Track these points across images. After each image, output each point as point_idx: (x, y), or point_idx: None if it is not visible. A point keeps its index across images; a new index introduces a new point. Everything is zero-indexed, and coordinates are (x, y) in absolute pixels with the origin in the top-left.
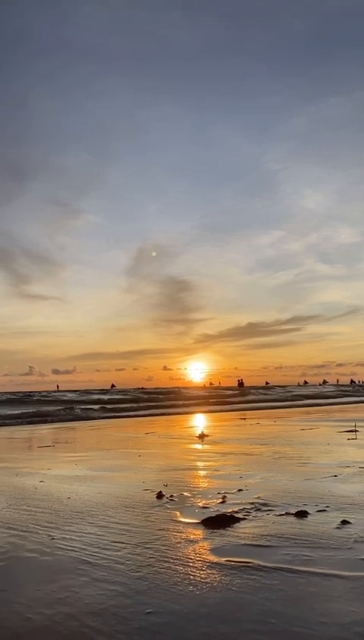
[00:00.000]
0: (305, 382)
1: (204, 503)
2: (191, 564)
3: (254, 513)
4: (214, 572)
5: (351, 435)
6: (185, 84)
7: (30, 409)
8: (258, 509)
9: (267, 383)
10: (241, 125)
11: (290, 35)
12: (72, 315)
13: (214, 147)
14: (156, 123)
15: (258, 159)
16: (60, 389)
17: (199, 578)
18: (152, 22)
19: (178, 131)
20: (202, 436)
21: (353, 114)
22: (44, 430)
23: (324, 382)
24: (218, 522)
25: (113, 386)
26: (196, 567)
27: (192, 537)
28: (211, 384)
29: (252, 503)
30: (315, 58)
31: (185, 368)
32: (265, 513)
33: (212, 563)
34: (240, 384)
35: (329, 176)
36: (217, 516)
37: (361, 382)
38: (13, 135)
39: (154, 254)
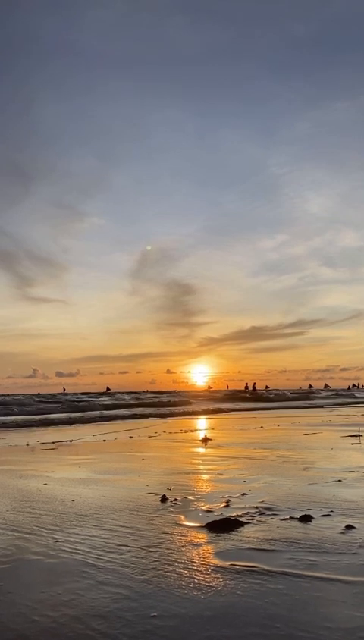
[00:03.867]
0: (310, 386)
1: (208, 507)
2: (195, 568)
3: (258, 517)
4: (219, 576)
5: (355, 440)
6: (189, 88)
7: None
8: (263, 514)
9: (267, 387)
10: (245, 129)
11: (293, 39)
12: (75, 318)
13: (218, 151)
14: (161, 127)
15: (262, 163)
16: (66, 392)
17: (203, 582)
18: (157, 27)
19: (182, 135)
20: (205, 440)
21: (357, 119)
22: (46, 432)
23: (326, 386)
24: (222, 526)
25: (108, 389)
26: (201, 571)
27: (196, 541)
28: (209, 387)
29: (256, 507)
30: (318, 63)
31: (188, 372)
32: (269, 517)
33: (217, 566)
34: (252, 388)
35: (333, 180)
36: (221, 519)
37: (362, 386)
38: (19, 138)
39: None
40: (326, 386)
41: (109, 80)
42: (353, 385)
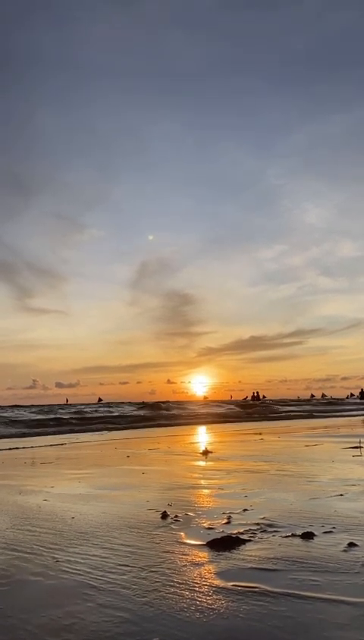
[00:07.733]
0: (312, 396)
1: (209, 524)
2: (197, 589)
3: (260, 535)
4: (221, 597)
5: (356, 452)
6: (188, 101)
7: None
8: (264, 530)
9: (263, 397)
10: (243, 141)
11: (290, 53)
12: (75, 329)
13: (216, 163)
14: (160, 139)
15: (260, 174)
16: (69, 402)
17: (205, 604)
18: (156, 41)
19: (181, 147)
20: (205, 452)
21: (353, 131)
22: (45, 445)
23: (323, 396)
24: (223, 544)
25: (100, 399)
26: (202, 592)
27: (197, 560)
28: (205, 398)
29: (258, 524)
30: (315, 76)
31: (188, 382)
32: (270, 535)
33: (218, 587)
34: (255, 397)
35: (330, 191)
36: (222, 537)
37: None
38: (19, 150)
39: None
40: (323, 395)
41: (109, 93)
42: (351, 394)
